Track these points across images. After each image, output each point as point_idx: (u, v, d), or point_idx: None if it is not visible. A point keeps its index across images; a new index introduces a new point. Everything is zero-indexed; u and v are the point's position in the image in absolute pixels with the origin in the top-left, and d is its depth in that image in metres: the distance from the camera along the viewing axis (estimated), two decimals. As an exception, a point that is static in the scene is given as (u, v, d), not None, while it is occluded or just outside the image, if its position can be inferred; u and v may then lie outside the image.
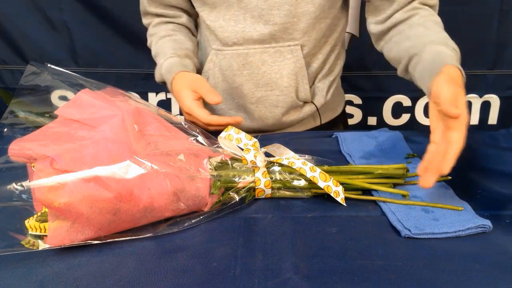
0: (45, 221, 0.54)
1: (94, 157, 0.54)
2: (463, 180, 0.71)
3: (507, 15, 1.51)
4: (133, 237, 0.57)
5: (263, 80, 0.93)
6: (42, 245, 0.53)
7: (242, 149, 0.67)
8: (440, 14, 0.87)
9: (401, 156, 0.80)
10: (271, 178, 0.66)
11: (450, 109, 0.59)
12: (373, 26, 0.91)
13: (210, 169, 0.64)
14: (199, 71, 1.00)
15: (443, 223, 0.58)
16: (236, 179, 0.65)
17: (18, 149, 0.55)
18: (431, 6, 0.87)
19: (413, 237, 0.57)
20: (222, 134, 0.69)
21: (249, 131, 0.98)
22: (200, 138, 0.68)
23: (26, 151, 0.54)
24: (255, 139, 0.70)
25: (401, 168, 0.68)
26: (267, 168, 0.67)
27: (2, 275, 0.51)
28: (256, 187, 0.65)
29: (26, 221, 0.56)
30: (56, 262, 0.53)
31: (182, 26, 1.02)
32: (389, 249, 0.55)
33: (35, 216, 0.56)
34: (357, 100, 1.68)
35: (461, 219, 0.59)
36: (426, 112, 1.67)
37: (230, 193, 0.64)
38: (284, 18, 0.87)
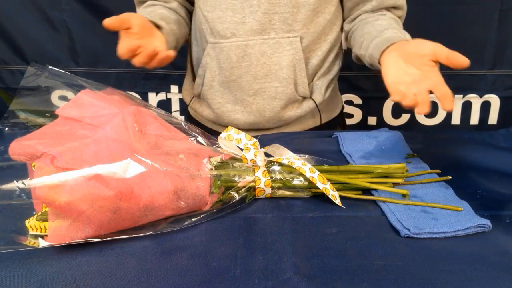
0: (46, 220, 0.54)
1: (95, 156, 0.54)
2: (463, 180, 0.71)
3: (507, 15, 1.51)
4: (134, 235, 0.57)
5: (262, 71, 0.92)
6: (42, 243, 0.53)
7: (242, 149, 0.67)
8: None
9: (401, 156, 0.80)
10: (271, 177, 0.67)
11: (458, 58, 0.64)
12: (345, 25, 0.99)
13: (210, 168, 0.64)
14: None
15: (443, 223, 0.58)
16: (236, 179, 0.65)
17: (18, 147, 0.55)
18: (399, 17, 0.95)
19: (412, 237, 0.57)
20: (222, 135, 0.69)
21: (245, 126, 0.98)
22: (200, 139, 0.69)
23: (27, 149, 0.54)
24: (255, 139, 0.70)
25: (400, 168, 0.69)
26: (267, 167, 0.67)
27: (2, 275, 0.51)
28: (256, 187, 0.65)
29: (26, 221, 0.56)
30: (56, 262, 0.53)
31: (173, 11, 0.98)
32: (389, 249, 0.55)
33: (36, 216, 0.56)
34: (357, 100, 1.68)
35: (460, 219, 0.59)
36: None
37: (231, 192, 0.64)
38: (284, 7, 0.88)
